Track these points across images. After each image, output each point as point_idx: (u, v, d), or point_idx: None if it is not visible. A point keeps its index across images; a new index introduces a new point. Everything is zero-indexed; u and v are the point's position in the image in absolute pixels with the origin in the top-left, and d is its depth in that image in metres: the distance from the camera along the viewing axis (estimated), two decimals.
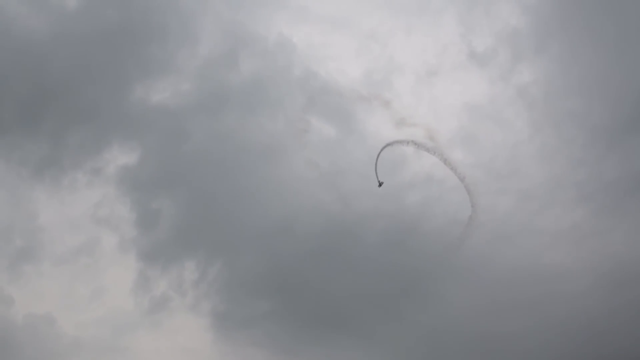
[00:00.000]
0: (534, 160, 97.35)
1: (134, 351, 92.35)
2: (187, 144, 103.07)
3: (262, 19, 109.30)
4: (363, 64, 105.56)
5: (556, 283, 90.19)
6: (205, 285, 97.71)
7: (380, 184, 74.69)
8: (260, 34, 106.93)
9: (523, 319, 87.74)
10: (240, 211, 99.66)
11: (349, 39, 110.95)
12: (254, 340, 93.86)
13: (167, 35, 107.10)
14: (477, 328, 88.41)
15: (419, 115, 79.45)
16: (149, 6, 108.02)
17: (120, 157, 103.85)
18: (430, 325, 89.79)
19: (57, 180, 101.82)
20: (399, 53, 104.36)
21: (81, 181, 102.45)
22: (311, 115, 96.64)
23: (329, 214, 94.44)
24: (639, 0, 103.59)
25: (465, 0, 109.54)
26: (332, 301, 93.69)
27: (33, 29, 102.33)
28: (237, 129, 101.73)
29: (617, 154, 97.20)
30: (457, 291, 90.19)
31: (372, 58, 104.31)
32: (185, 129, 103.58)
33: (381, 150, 72.00)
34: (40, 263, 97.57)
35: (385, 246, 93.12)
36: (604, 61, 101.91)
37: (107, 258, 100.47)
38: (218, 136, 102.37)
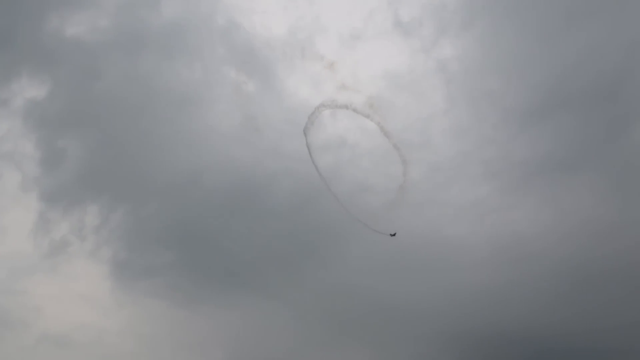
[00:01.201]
0: (445, 134, 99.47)
1: (30, 294, 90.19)
2: (100, 83, 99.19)
3: None
4: (288, 21, 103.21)
5: (455, 254, 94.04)
6: (107, 232, 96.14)
7: (392, 235, 74.18)
8: None
9: (420, 284, 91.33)
10: (149, 158, 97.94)
11: None
12: (154, 291, 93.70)
13: None
14: (376, 291, 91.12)
15: (339, 78, 78.22)
16: None
17: (29, 89, 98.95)
18: (330, 285, 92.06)
19: None
20: (325, 13, 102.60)
21: None
22: (230, 68, 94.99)
23: (239, 170, 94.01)
24: None
25: None
26: (237, 257, 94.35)
27: None
28: (153, 74, 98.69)
29: (527, 137, 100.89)
30: (360, 254, 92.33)
31: (298, 16, 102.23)
32: (99, 67, 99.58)
33: (315, 110, 70.54)
34: None
35: (293, 206, 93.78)
36: (525, 45, 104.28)
37: (7, 196, 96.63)
38: (132, 78, 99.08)
